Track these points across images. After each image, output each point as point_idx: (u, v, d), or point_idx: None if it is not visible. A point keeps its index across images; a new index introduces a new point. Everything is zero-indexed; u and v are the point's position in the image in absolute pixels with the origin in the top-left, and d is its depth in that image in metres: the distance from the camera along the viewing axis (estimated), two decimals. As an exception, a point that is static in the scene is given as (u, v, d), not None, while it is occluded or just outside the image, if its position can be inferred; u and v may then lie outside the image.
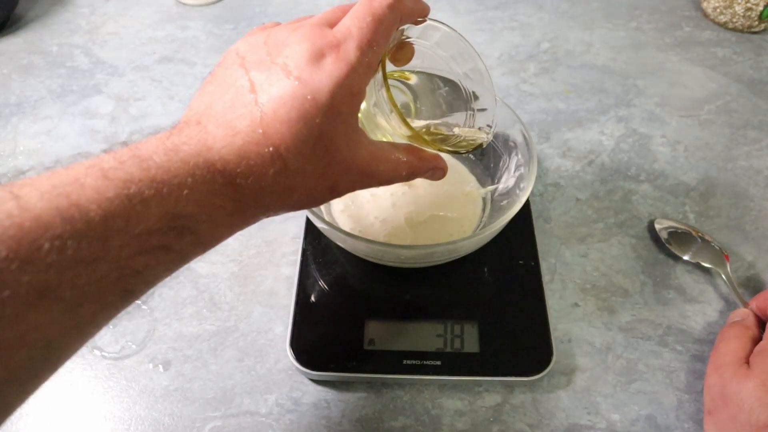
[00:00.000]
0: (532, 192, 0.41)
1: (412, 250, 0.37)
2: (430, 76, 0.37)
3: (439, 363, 0.38)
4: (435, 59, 0.35)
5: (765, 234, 0.48)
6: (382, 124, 0.32)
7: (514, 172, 0.42)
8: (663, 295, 0.44)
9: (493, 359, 0.38)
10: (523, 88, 0.61)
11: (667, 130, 0.56)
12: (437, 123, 0.37)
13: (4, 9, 0.65)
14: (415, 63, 0.33)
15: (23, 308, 0.18)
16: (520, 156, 0.42)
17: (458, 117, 0.37)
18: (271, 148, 0.24)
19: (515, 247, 0.44)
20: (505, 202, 0.42)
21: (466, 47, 0.34)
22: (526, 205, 0.47)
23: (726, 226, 0.48)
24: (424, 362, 0.38)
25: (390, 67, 0.30)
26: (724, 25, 0.68)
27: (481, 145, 0.35)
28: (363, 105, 0.30)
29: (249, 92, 0.24)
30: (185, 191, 0.22)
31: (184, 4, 0.71)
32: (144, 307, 0.42)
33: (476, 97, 0.36)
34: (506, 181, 0.43)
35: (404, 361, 0.38)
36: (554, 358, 0.38)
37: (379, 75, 0.29)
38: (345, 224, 0.43)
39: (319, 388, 0.39)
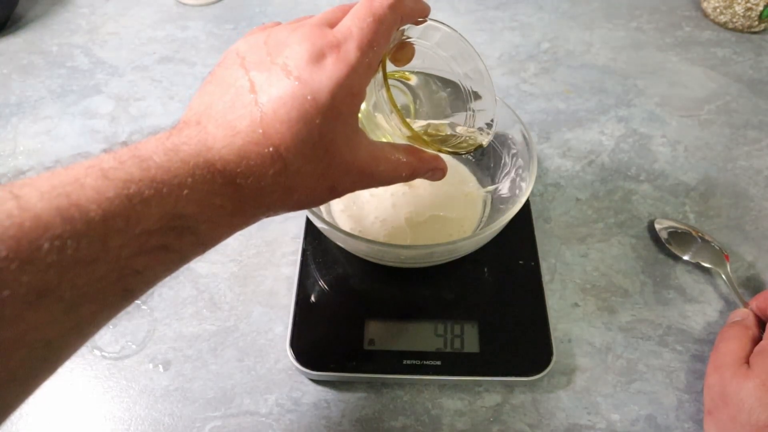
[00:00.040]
0: (532, 192, 0.41)
1: (412, 250, 0.37)
2: (430, 77, 0.37)
3: (439, 363, 0.38)
4: (435, 59, 0.35)
5: (765, 234, 0.48)
6: (382, 124, 0.32)
7: (514, 172, 0.42)
8: (663, 295, 0.44)
9: (493, 359, 0.38)
10: (523, 88, 0.61)
11: (667, 130, 0.56)
12: (437, 123, 0.37)
13: (4, 9, 0.65)
14: (416, 63, 0.33)
15: (23, 308, 0.18)
16: (520, 156, 0.42)
17: (458, 117, 0.37)
18: (271, 149, 0.24)
19: (515, 247, 0.44)
20: (505, 202, 0.42)
21: (466, 47, 0.34)
22: (526, 205, 0.47)
23: (726, 226, 0.48)
24: (424, 362, 0.38)
25: (390, 67, 0.30)
26: (724, 25, 0.68)
27: (481, 145, 0.35)
28: (363, 105, 0.30)
29: (249, 92, 0.24)
30: (185, 191, 0.22)
31: (184, 4, 0.71)
32: (144, 307, 0.42)
33: (476, 98, 0.36)
34: (506, 181, 0.43)
35: (404, 361, 0.38)
36: (554, 358, 0.38)
37: (380, 75, 0.29)
38: (345, 224, 0.43)
39: (319, 388, 0.39)
